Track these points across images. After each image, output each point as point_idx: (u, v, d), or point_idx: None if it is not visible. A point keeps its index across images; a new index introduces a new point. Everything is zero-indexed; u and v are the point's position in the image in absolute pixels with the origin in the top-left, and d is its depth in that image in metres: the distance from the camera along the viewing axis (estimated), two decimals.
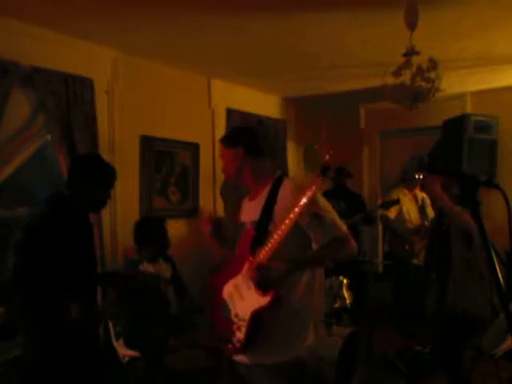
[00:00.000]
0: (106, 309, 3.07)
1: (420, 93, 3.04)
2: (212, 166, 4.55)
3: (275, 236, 1.71)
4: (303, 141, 5.78)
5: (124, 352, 3.07)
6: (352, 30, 3.30)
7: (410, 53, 2.97)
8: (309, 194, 1.66)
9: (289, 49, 3.70)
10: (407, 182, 4.56)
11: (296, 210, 1.67)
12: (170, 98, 4.13)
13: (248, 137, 2.02)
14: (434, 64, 2.96)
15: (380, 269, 5.39)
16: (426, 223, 4.33)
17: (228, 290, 1.90)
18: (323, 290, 2.05)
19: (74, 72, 3.28)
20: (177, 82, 4.20)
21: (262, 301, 1.73)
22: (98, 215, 3.31)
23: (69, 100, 3.24)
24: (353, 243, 1.84)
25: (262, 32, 3.33)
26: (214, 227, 2.14)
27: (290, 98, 5.49)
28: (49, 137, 3.25)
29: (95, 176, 2.42)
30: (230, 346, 1.85)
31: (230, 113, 4.68)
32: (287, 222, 1.69)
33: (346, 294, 3.73)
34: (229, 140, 2.04)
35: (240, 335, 1.80)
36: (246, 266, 1.81)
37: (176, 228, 3.89)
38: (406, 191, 4.57)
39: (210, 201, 4.55)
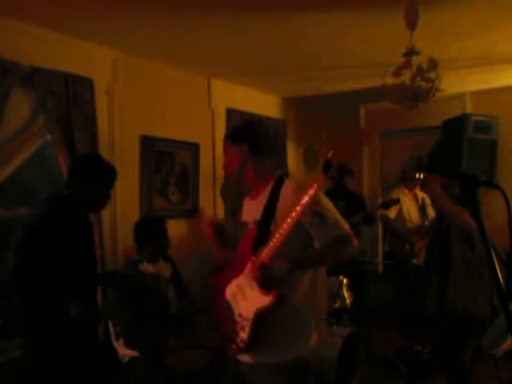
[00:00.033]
0: (106, 309, 3.07)
1: (420, 93, 3.04)
2: (212, 165, 4.55)
3: (277, 235, 1.70)
4: (303, 141, 5.79)
5: (124, 352, 3.07)
6: (352, 30, 3.30)
7: (410, 53, 2.97)
8: (311, 191, 1.64)
9: (289, 49, 3.70)
10: (407, 181, 4.57)
11: (298, 208, 1.66)
12: (170, 98, 4.13)
13: (253, 134, 2.00)
14: (433, 64, 2.96)
15: (380, 269, 5.39)
16: (426, 223, 4.33)
17: (231, 290, 1.89)
18: (326, 290, 2.05)
19: (74, 72, 3.28)
20: (177, 82, 4.20)
21: (265, 300, 1.72)
22: (97, 215, 3.31)
23: (69, 100, 3.24)
24: (355, 242, 1.83)
25: (262, 32, 3.33)
26: (215, 230, 2.13)
27: (290, 98, 5.49)
28: (49, 137, 3.25)
29: (95, 176, 2.42)
30: (234, 346, 1.85)
31: (230, 113, 4.68)
32: (289, 220, 1.68)
33: (346, 294, 3.73)
34: (234, 136, 2.01)
35: (244, 335, 1.80)
36: (249, 266, 1.81)
37: (176, 228, 3.89)
38: (406, 191, 4.58)
39: (210, 201, 4.55)
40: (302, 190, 1.69)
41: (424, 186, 4.02)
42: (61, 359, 2.25)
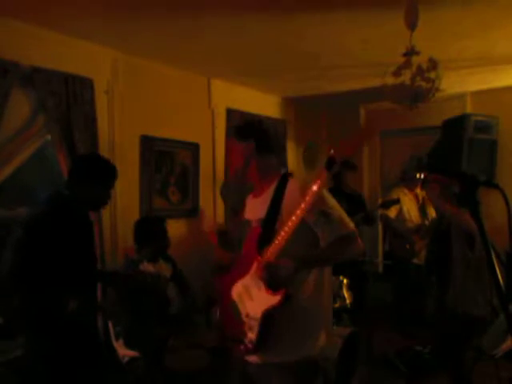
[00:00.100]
0: (106, 308, 3.06)
1: (420, 93, 3.04)
2: (212, 166, 4.55)
3: (282, 233, 1.69)
4: (303, 141, 5.78)
5: (124, 352, 3.07)
6: (352, 30, 3.30)
7: (410, 53, 2.97)
8: (314, 188, 1.64)
9: (289, 49, 3.70)
10: (408, 181, 4.57)
11: (303, 205, 1.65)
12: (170, 98, 4.13)
13: (260, 131, 2.00)
14: (434, 64, 2.96)
15: (380, 269, 5.39)
16: (427, 222, 4.33)
17: (237, 290, 1.88)
18: (331, 289, 2.04)
19: (74, 72, 3.28)
20: (177, 82, 4.20)
21: (273, 300, 1.71)
22: (98, 214, 3.31)
23: (69, 100, 3.24)
24: (360, 242, 1.83)
25: (262, 32, 3.33)
26: (220, 238, 2.13)
27: (290, 98, 5.49)
28: (49, 137, 3.25)
29: (95, 175, 2.42)
30: (242, 347, 1.83)
31: (230, 113, 4.68)
32: (294, 218, 1.67)
33: (346, 293, 3.73)
34: (241, 133, 2.00)
35: (252, 335, 1.78)
36: (255, 266, 1.80)
37: (176, 228, 3.90)
38: (406, 191, 4.58)
39: (210, 201, 4.55)
40: (306, 187, 1.68)
41: (424, 186, 4.02)
42: (62, 359, 2.25)
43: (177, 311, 3.31)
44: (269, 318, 1.75)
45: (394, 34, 3.10)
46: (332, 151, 1.65)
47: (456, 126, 4.48)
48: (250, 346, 1.80)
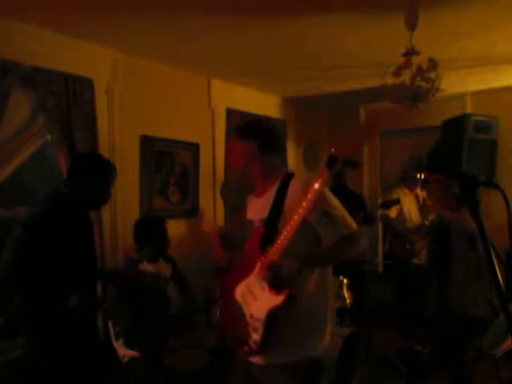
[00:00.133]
0: (106, 308, 3.07)
1: (420, 93, 3.04)
2: (212, 166, 4.55)
3: (285, 232, 1.69)
4: (303, 141, 5.78)
5: (124, 352, 3.07)
6: (352, 31, 3.29)
7: (410, 53, 2.97)
8: (316, 186, 1.63)
9: (289, 49, 3.70)
10: (408, 181, 4.57)
11: (304, 204, 1.65)
12: (170, 98, 4.13)
13: (262, 131, 1.99)
14: (434, 64, 2.96)
15: (380, 269, 5.39)
16: (427, 222, 4.33)
17: (240, 290, 1.87)
18: (333, 289, 2.04)
19: (74, 72, 3.28)
20: (177, 82, 4.20)
21: (276, 300, 1.71)
22: (98, 214, 3.31)
23: (69, 100, 3.24)
24: (362, 241, 1.83)
25: (262, 33, 3.33)
26: (221, 240, 2.12)
27: (290, 98, 5.49)
28: (49, 137, 3.25)
29: (94, 173, 2.42)
30: (246, 348, 1.82)
31: (230, 113, 4.68)
32: (296, 217, 1.67)
33: (346, 293, 3.73)
34: (243, 133, 1.99)
35: (256, 336, 1.77)
36: (258, 266, 1.79)
37: (176, 228, 3.89)
38: (406, 191, 4.58)
39: (210, 201, 4.55)
40: (308, 186, 1.68)
41: (424, 186, 4.02)
42: (61, 359, 2.25)
43: (177, 311, 3.31)
44: (273, 318, 1.74)
45: (394, 34, 3.10)
46: (333, 150, 1.65)
47: (456, 125, 4.48)
48: (254, 347, 1.79)
